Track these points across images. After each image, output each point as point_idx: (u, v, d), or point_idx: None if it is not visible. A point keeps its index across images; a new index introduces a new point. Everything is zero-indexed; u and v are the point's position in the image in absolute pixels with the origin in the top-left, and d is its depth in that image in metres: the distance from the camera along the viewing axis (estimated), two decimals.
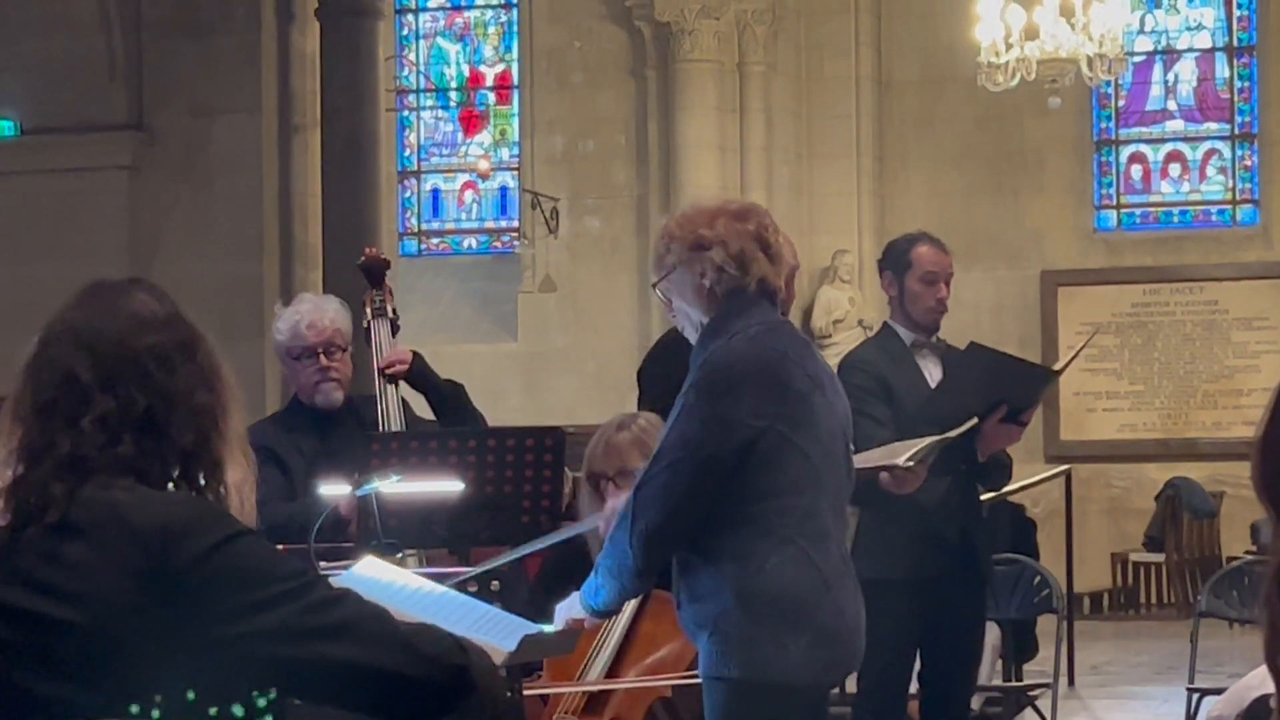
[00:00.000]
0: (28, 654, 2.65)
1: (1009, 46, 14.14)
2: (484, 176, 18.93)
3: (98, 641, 2.62)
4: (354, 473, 5.18)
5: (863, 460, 5.30)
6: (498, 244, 19.01)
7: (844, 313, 17.30)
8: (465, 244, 19.15)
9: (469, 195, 19.18)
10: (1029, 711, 8.71)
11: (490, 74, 19.13)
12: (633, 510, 4.26)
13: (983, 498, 6.42)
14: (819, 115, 17.75)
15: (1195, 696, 8.03)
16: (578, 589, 4.47)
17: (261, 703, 2.68)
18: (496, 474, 5.32)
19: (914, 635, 6.07)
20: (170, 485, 2.75)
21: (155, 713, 2.64)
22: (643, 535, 4.23)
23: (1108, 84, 16.87)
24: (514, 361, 18.09)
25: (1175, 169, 18.11)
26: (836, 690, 5.51)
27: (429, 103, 19.31)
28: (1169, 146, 18.13)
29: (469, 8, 19.26)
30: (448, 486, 5.23)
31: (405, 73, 18.95)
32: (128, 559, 2.63)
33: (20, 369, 2.80)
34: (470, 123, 19.22)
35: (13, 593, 2.67)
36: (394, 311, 6.05)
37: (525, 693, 4.75)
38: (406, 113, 18.95)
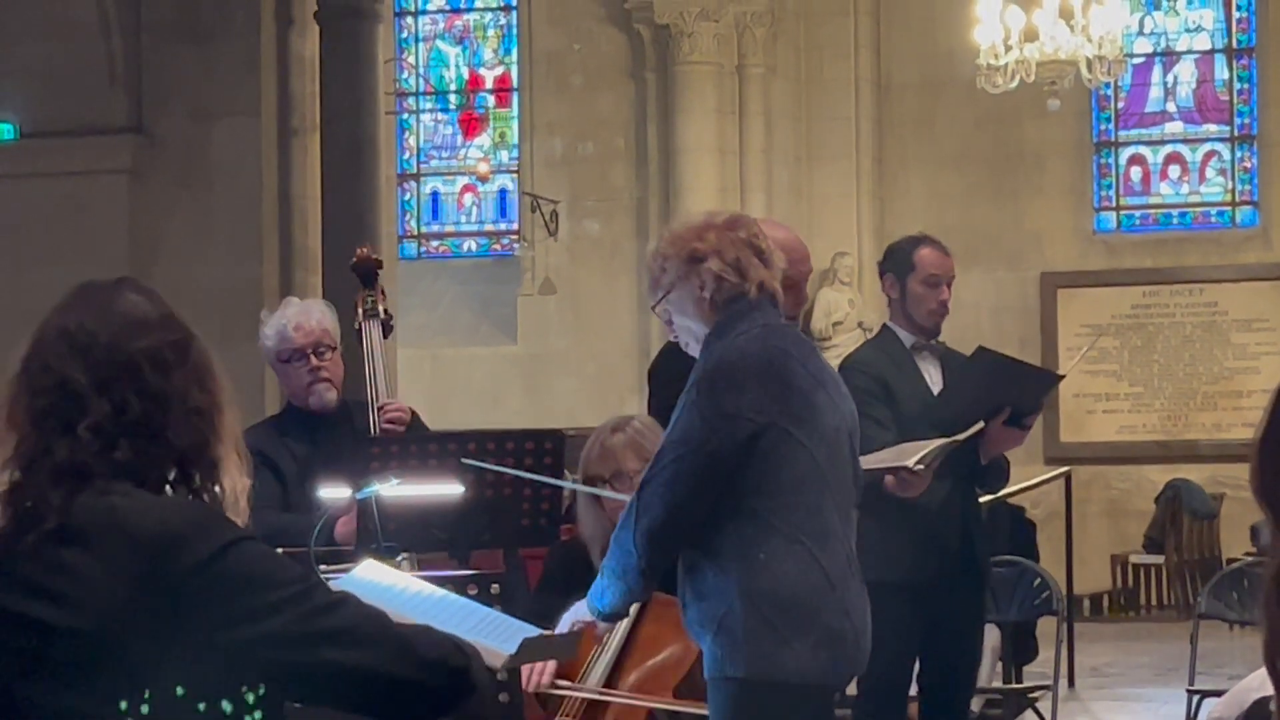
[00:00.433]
0: (23, 659, 2.65)
1: (1008, 48, 14.14)
2: (483, 179, 18.94)
3: (95, 647, 2.62)
4: (348, 477, 5.18)
5: (870, 462, 5.31)
6: (497, 247, 19.01)
7: (843, 315, 17.30)
8: (465, 247, 19.16)
9: (468, 198, 19.19)
10: (1029, 713, 8.73)
11: (490, 77, 19.14)
12: (636, 508, 4.27)
13: (980, 500, 6.43)
14: (818, 118, 17.76)
15: (1195, 698, 8.03)
16: (579, 594, 4.47)
17: (250, 698, 2.67)
18: (496, 476, 5.32)
19: (914, 637, 6.07)
20: (168, 488, 2.74)
21: (144, 709, 2.64)
22: (647, 532, 4.24)
23: (1107, 86, 16.87)
24: (514, 364, 18.09)
25: (1175, 171, 18.12)
26: (837, 693, 5.51)
27: (428, 105, 19.33)
28: (1168, 148, 18.14)
29: (468, 11, 19.27)
30: (447, 490, 5.23)
31: (405, 76, 18.96)
32: (128, 565, 2.63)
33: (13, 374, 2.78)
34: (470, 125, 19.23)
35: (11, 598, 2.66)
36: (386, 312, 6.05)
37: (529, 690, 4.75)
38: (406, 116, 18.96)
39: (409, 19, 19.18)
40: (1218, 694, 5.91)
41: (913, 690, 6.27)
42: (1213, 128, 18.10)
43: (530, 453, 5.38)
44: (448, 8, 19.31)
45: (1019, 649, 9.54)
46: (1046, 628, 9.12)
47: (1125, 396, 17.62)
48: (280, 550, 2.87)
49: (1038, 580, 8.37)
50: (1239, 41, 18.01)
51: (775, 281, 4.44)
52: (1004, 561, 8.38)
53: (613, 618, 4.50)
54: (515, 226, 18.73)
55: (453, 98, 19.22)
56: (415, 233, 19.11)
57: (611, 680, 4.88)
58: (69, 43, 12.97)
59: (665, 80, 17.52)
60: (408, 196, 19.06)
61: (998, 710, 8.85)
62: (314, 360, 5.81)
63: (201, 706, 2.65)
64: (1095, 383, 17.37)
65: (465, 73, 19.18)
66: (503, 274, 18.58)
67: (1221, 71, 18.06)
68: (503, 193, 19.05)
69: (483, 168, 18.76)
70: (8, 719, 2.67)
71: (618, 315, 17.68)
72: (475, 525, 5.34)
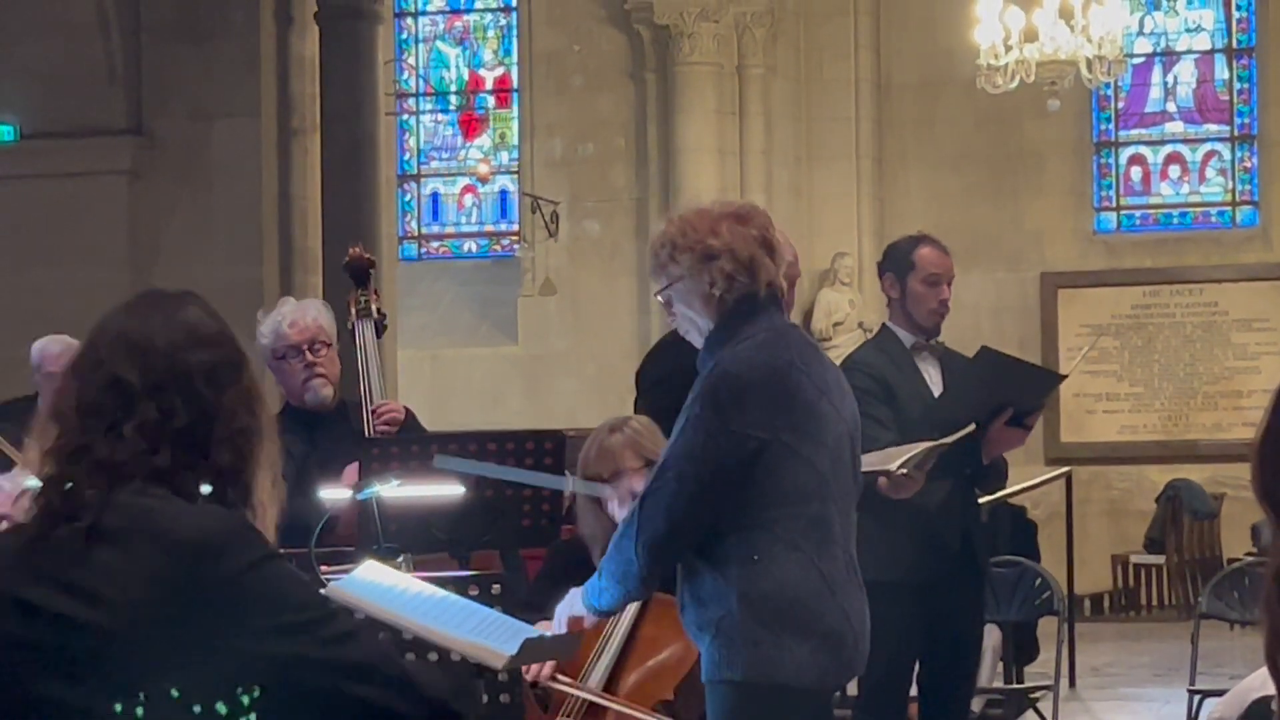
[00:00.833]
0: (41, 653, 2.65)
1: (1008, 49, 14.14)
2: (484, 180, 18.94)
3: (114, 646, 2.63)
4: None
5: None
6: (497, 247, 19.01)
7: (844, 315, 17.31)
8: (465, 248, 19.16)
9: (469, 199, 19.18)
10: (1030, 713, 8.72)
11: (490, 77, 19.13)
12: (638, 520, 4.25)
13: (980, 501, 6.43)
14: (818, 118, 17.75)
15: (1196, 698, 8.03)
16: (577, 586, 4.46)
17: (245, 700, 2.69)
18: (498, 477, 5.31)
19: (914, 637, 6.06)
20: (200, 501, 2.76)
21: (139, 711, 2.64)
22: (649, 545, 4.22)
23: (1107, 86, 16.86)
24: (514, 365, 18.09)
25: (1175, 171, 18.11)
26: (837, 693, 5.51)
27: (428, 106, 19.32)
28: (1168, 148, 18.13)
29: (468, 11, 19.27)
30: (448, 490, 5.23)
31: (405, 76, 18.95)
32: (158, 568, 2.64)
33: (65, 369, 2.79)
34: (470, 126, 19.23)
35: (37, 592, 2.67)
36: (380, 312, 6.06)
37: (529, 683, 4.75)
38: (406, 116, 18.95)
39: (409, 20, 19.18)
40: (1219, 694, 5.91)
41: (913, 690, 6.27)
42: (1213, 128, 18.10)
43: (530, 453, 5.38)
44: (447, 9, 19.30)
45: (1020, 649, 9.54)
46: (1047, 628, 9.12)
47: (1126, 396, 17.62)
48: (280, 551, 2.88)
49: (1039, 580, 8.37)
50: (1239, 41, 18.01)
51: (781, 278, 4.42)
52: (1005, 562, 8.38)
53: (608, 615, 4.52)
54: (515, 227, 18.73)
55: (453, 98, 19.21)
56: (416, 234, 19.10)
57: (612, 680, 4.89)
58: (69, 44, 12.97)
59: (665, 81, 17.52)
60: (408, 197, 19.06)
61: (999, 710, 8.85)
62: (309, 356, 5.81)
63: (197, 709, 2.65)
64: (1096, 383, 17.37)
65: (465, 73, 19.17)
66: (503, 275, 18.58)
67: (1221, 71, 18.06)
68: (503, 193, 19.05)
69: (483, 169, 18.76)
70: (19, 710, 2.67)
71: (618, 316, 17.67)
72: (476, 526, 5.34)
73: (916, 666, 6.21)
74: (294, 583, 2.73)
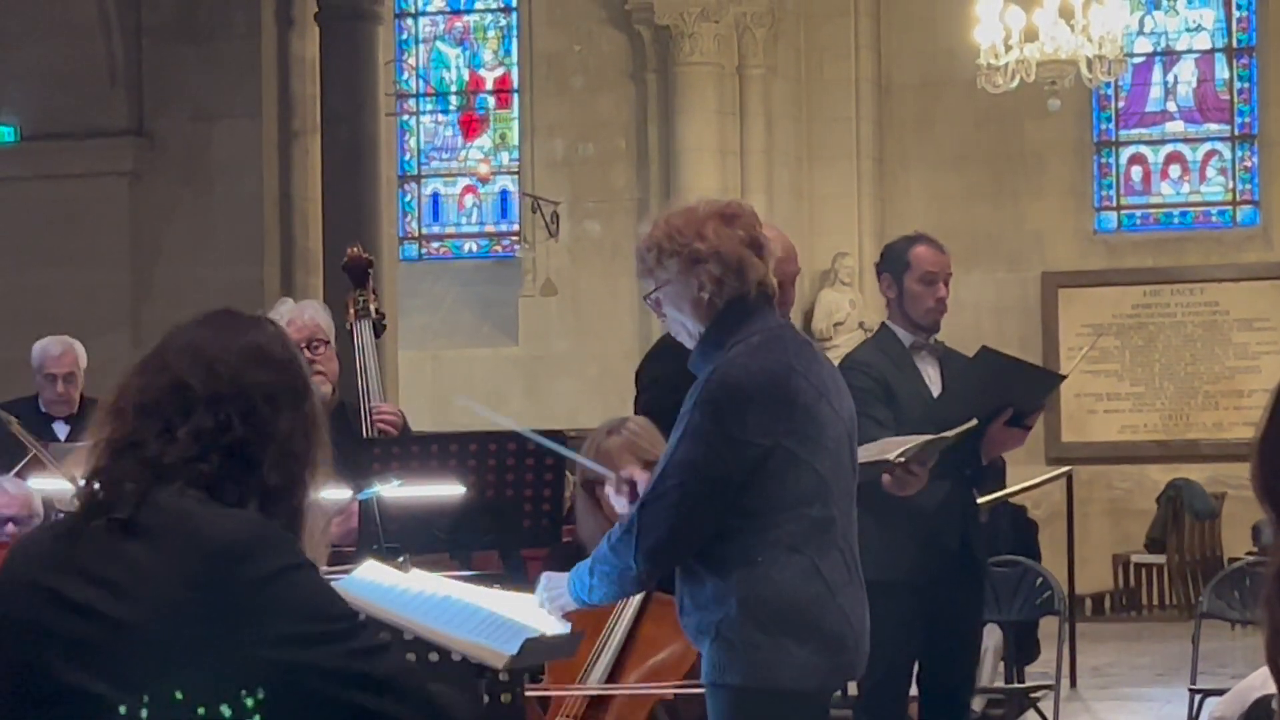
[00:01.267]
0: (65, 642, 2.67)
1: (1008, 48, 14.14)
2: (484, 181, 18.94)
3: (137, 642, 2.64)
4: (348, 478, 5.17)
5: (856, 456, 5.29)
6: (498, 248, 19.01)
7: (844, 315, 17.32)
8: (466, 248, 19.16)
9: (469, 199, 19.19)
10: (1031, 713, 8.72)
11: (490, 78, 19.14)
12: (637, 527, 4.21)
13: (979, 501, 6.42)
14: (819, 118, 17.76)
15: (1197, 698, 8.03)
16: None
17: (249, 702, 2.69)
18: (497, 478, 5.32)
19: (914, 638, 6.06)
20: None
21: (143, 713, 2.65)
22: (649, 552, 4.20)
23: (1107, 85, 16.87)
24: (515, 365, 18.10)
25: (1175, 170, 18.11)
26: (837, 694, 5.51)
27: (429, 107, 19.32)
28: (1169, 148, 18.13)
29: (468, 12, 19.27)
30: (448, 490, 5.23)
31: (405, 77, 18.96)
32: (189, 568, 2.66)
33: (131, 367, 2.84)
34: (470, 127, 19.23)
35: (67, 581, 2.69)
36: (378, 312, 6.06)
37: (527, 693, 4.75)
38: (406, 117, 18.96)
39: (409, 20, 19.18)
40: (1219, 693, 5.91)
41: (913, 690, 6.27)
42: (1213, 127, 18.10)
43: (531, 453, 5.38)
44: (447, 9, 19.31)
45: (1021, 649, 9.53)
46: (1048, 628, 9.12)
47: (1126, 396, 17.62)
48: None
49: (1039, 580, 8.36)
50: (1239, 41, 18.01)
51: (772, 275, 4.38)
52: (1006, 561, 8.38)
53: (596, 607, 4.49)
54: (516, 228, 18.73)
55: (453, 99, 19.21)
56: (416, 234, 19.11)
57: (612, 679, 4.89)
58: (70, 45, 12.98)
59: (666, 81, 17.52)
60: (408, 198, 19.07)
61: (999, 710, 8.85)
62: (307, 354, 5.81)
63: (201, 711, 2.66)
64: (1096, 382, 17.37)
65: (466, 74, 19.18)
66: (504, 275, 18.58)
67: (1222, 71, 18.06)
68: (503, 194, 19.05)
69: (483, 169, 18.76)
70: (46, 698, 2.68)
71: (619, 316, 17.67)
72: (476, 526, 5.34)
73: (916, 666, 6.21)
74: (322, 593, 2.74)
